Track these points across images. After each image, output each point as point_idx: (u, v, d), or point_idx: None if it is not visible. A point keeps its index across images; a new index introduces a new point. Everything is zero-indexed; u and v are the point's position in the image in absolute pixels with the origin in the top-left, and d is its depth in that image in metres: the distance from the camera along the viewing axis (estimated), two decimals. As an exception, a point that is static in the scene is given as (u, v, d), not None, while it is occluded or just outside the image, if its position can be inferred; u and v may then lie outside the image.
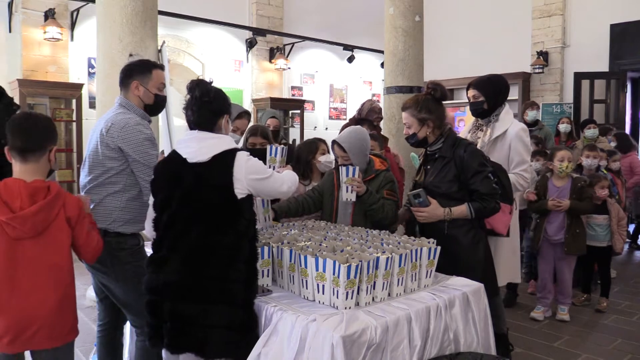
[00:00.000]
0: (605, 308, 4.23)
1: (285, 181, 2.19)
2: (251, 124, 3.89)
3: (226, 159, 2.02)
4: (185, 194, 2.02)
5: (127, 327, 2.76)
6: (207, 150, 2.03)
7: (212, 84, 2.13)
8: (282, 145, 2.82)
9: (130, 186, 2.36)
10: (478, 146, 2.99)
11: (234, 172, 1.99)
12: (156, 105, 2.51)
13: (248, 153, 2.09)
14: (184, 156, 2.05)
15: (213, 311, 1.92)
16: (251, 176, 2.02)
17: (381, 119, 4.83)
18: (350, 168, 2.72)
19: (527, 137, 3.13)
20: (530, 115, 6.30)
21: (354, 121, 4.76)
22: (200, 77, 2.22)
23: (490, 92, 3.10)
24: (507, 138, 3.07)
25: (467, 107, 9.59)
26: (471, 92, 3.15)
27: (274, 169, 2.78)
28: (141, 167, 2.32)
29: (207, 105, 2.08)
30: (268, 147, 2.85)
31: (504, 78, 3.21)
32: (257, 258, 2.06)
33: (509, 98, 3.21)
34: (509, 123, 3.09)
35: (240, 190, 1.99)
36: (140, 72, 2.46)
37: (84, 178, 2.43)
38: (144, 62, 2.55)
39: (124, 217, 2.35)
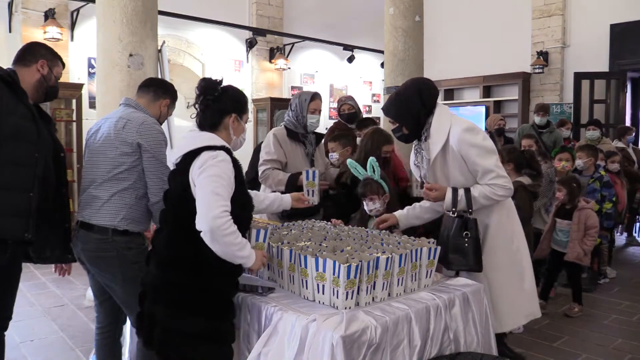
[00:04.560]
0: (576, 313, 4.05)
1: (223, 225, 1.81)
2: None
3: (189, 158, 1.93)
4: (165, 194, 2.07)
5: (127, 327, 2.75)
6: (180, 150, 2.00)
7: (221, 82, 2.08)
8: (316, 169, 2.80)
9: (139, 184, 2.37)
10: (422, 173, 2.58)
11: (190, 173, 1.91)
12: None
13: (221, 155, 1.91)
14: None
15: (178, 317, 1.89)
16: (197, 172, 1.88)
17: (349, 105, 4.83)
18: None
19: (477, 135, 2.38)
20: (536, 120, 6.53)
21: (343, 124, 4.79)
22: (208, 77, 2.15)
23: (402, 114, 2.50)
24: (452, 149, 2.40)
25: (467, 108, 9.66)
26: (388, 119, 2.58)
27: (312, 194, 2.79)
28: (156, 164, 2.35)
29: (211, 105, 2.04)
30: (304, 171, 2.83)
31: (417, 84, 2.52)
32: (232, 267, 1.94)
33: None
34: (445, 132, 2.40)
35: None
36: (173, 97, 2.65)
37: (87, 176, 2.42)
38: (174, 88, 2.69)
39: (132, 215, 2.35)
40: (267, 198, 2.53)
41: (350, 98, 4.98)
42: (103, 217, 2.33)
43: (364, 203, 2.79)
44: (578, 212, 4.06)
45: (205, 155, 1.91)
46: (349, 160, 2.95)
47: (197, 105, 2.07)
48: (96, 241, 2.35)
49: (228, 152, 1.97)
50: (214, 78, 2.07)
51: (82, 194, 2.45)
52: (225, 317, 1.97)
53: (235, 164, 1.97)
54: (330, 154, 3.66)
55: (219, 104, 2.04)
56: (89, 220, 2.36)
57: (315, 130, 3.39)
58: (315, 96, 3.29)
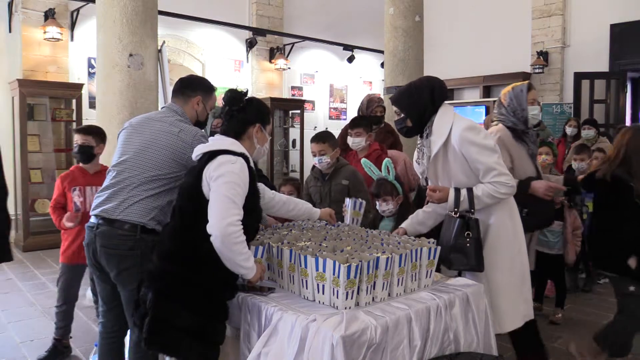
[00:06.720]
0: (559, 320, 3.89)
1: (232, 225, 1.87)
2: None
3: (207, 157, 2.00)
4: (179, 188, 2.14)
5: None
6: (202, 149, 2.07)
7: (247, 94, 2.16)
8: (363, 201, 2.77)
9: (173, 191, 2.31)
10: (419, 171, 2.60)
11: (204, 172, 1.97)
12: (204, 124, 2.58)
13: (239, 162, 1.98)
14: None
15: (168, 308, 1.91)
16: (212, 176, 1.93)
17: (382, 108, 4.57)
18: None
19: (478, 134, 2.38)
20: None
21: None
22: (235, 88, 2.21)
23: (410, 105, 2.48)
24: (454, 148, 2.40)
25: (467, 108, 9.65)
26: (394, 109, 2.57)
27: (356, 223, 2.75)
28: None
29: (236, 115, 2.12)
30: (351, 200, 2.78)
31: (431, 81, 2.53)
32: (228, 269, 1.95)
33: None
34: (446, 130, 2.41)
35: (208, 192, 1.95)
36: (205, 90, 2.53)
37: (121, 173, 2.31)
38: (207, 81, 2.61)
39: (159, 218, 2.29)
40: (297, 208, 2.56)
41: (382, 99, 4.71)
42: (133, 214, 2.24)
43: (377, 203, 2.80)
44: (568, 211, 3.92)
45: (222, 157, 1.96)
46: (363, 160, 2.93)
47: (222, 115, 2.15)
48: (122, 237, 2.24)
49: (246, 160, 2.02)
50: (239, 89, 2.17)
51: (109, 188, 2.31)
52: (216, 317, 1.97)
53: (251, 172, 2.01)
54: (318, 158, 3.26)
55: (243, 114, 2.12)
56: (117, 217, 2.25)
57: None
58: (530, 86, 2.96)
